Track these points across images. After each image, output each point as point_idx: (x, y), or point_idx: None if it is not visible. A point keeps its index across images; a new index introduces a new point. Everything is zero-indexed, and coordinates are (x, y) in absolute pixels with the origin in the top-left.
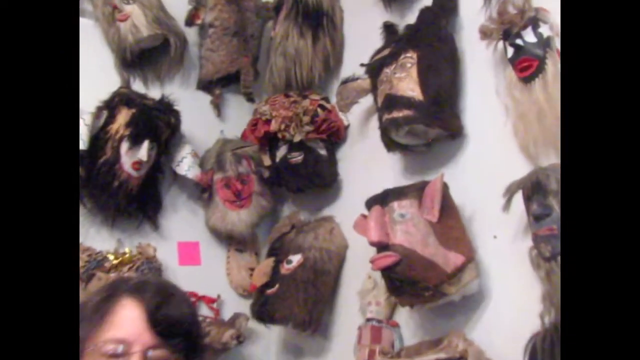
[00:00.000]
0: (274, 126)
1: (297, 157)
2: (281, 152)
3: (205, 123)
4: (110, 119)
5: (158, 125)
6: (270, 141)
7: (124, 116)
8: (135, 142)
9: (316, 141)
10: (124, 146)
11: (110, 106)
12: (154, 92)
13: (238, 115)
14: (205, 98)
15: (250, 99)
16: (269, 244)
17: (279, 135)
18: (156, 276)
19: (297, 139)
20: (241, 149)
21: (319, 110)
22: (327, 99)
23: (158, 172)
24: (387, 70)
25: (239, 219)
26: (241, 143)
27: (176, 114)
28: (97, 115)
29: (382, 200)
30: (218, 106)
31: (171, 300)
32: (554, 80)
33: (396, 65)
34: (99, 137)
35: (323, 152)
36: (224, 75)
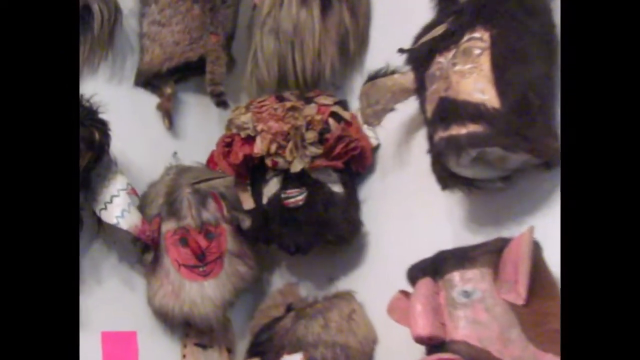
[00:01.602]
0: (259, 147)
1: (297, 197)
2: (271, 188)
3: (149, 141)
4: None
5: None
6: (253, 171)
7: None
8: None
9: (327, 171)
10: None
11: None
12: None
13: (201, 128)
14: (148, 100)
15: (221, 102)
16: (250, 337)
17: (268, 162)
18: None
19: (296, 167)
20: (206, 182)
21: (331, 121)
22: (344, 104)
23: None
24: (442, 60)
25: (201, 294)
26: (206, 173)
27: (102, 127)
28: None
29: (434, 268)
30: (169, 113)
31: None
32: None
33: (456, 51)
34: None
35: (338, 188)
36: (178, 65)
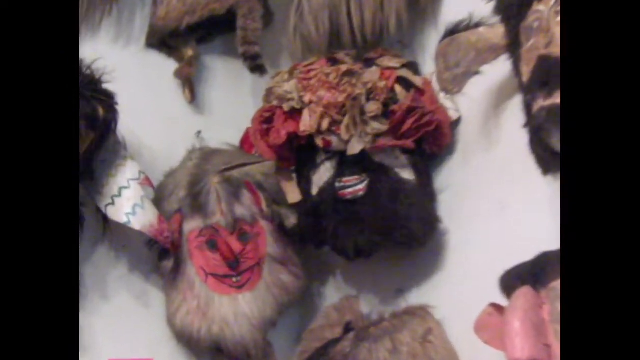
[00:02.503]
0: (308, 123)
1: (356, 186)
2: (322, 175)
3: (165, 117)
4: None
5: None
6: (299, 154)
7: None
8: None
9: (393, 153)
10: None
11: None
12: None
13: (231, 101)
14: (164, 66)
15: (256, 67)
16: None
17: (319, 142)
18: None
19: (354, 148)
20: (239, 168)
21: (398, 89)
22: (414, 67)
23: None
24: (541, 8)
25: (235, 311)
26: (239, 158)
27: (107, 100)
28: None
29: (534, 275)
30: (190, 82)
31: None
32: None
33: None
34: None
35: (407, 174)
36: (201, 20)
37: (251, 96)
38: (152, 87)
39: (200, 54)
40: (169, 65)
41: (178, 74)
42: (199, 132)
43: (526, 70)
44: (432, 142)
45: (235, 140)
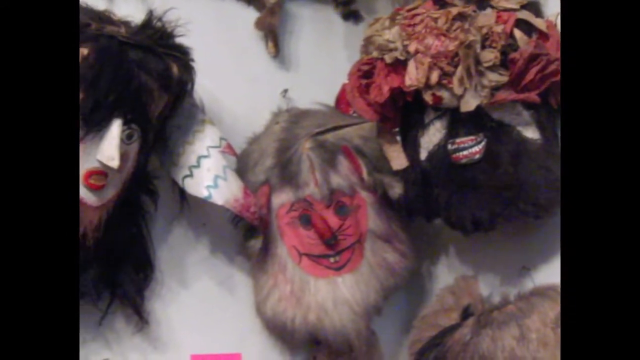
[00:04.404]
0: (414, 77)
1: (472, 148)
2: (432, 136)
3: (246, 74)
4: None
5: (143, 85)
6: (405, 113)
7: None
8: (93, 124)
9: (515, 108)
10: None
11: None
12: (128, 5)
13: (322, 53)
14: (243, 15)
15: (350, 13)
16: (408, 357)
17: (427, 99)
18: None
19: (469, 104)
20: (334, 131)
21: (517, 34)
22: (535, 7)
23: (145, 192)
24: None
25: (334, 297)
26: (334, 119)
27: (182, 57)
28: None
29: None
30: (274, 33)
31: None
32: None
33: None
34: None
35: (532, 133)
36: None
37: (344, 48)
38: (230, 41)
39: (284, 0)
40: (249, 14)
41: (260, 24)
42: (285, 91)
43: None
44: (559, 94)
45: (327, 99)
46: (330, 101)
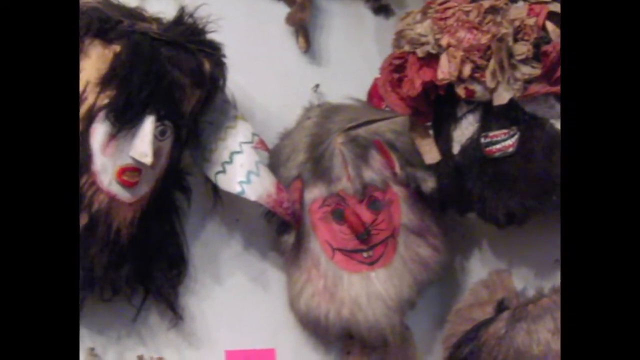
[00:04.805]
0: (446, 70)
1: (505, 141)
2: (465, 130)
3: (277, 69)
4: None
5: (175, 81)
6: (437, 107)
7: (95, 62)
8: (126, 121)
9: (548, 101)
10: (100, 132)
11: None
12: (159, 2)
13: (353, 48)
14: (274, 10)
15: (381, 7)
16: (443, 351)
17: (460, 92)
18: None
19: (502, 98)
20: (367, 126)
21: (550, 26)
22: None
23: (177, 188)
24: None
25: (367, 292)
26: (366, 113)
27: (215, 53)
28: None
29: None
30: (305, 28)
31: None
32: None
33: None
34: None
35: None
36: None
37: (375, 42)
38: (261, 37)
39: None
40: (280, 10)
41: (290, 19)
42: (317, 86)
43: None
44: None
45: (358, 93)
46: (361, 96)
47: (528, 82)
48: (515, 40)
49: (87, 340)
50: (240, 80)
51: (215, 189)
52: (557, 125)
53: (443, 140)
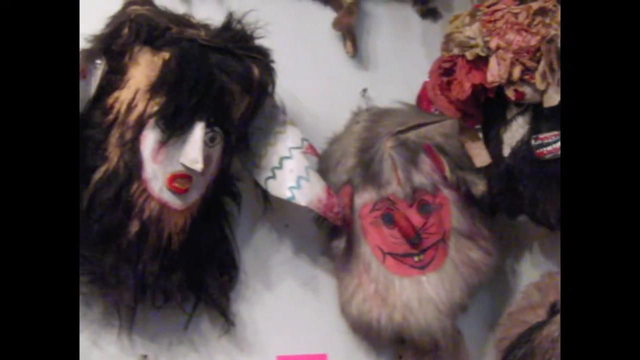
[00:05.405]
0: (496, 73)
1: (557, 143)
2: (515, 132)
3: (325, 74)
4: (115, 77)
5: (225, 87)
6: (487, 110)
7: (145, 69)
8: (176, 128)
9: None
10: (150, 139)
11: (113, 48)
12: (206, 8)
13: (401, 52)
14: (321, 15)
15: (429, 11)
16: (496, 354)
17: (510, 95)
18: None
19: (552, 100)
20: (416, 130)
21: None
22: None
23: (227, 194)
24: None
25: (419, 296)
26: (415, 117)
27: (263, 59)
28: (82, 71)
29: None
30: (352, 33)
31: None
32: None
33: None
34: (90, 120)
35: None
36: None
37: (422, 45)
38: (309, 41)
39: None
40: (327, 15)
41: (337, 24)
42: (365, 90)
43: None
44: None
45: (406, 97)
46: (409, 99)
47: None
48: None
49: (139, 348)
50: (288, 85)
51: (265, 195)
52: None
53: (493, 143)
